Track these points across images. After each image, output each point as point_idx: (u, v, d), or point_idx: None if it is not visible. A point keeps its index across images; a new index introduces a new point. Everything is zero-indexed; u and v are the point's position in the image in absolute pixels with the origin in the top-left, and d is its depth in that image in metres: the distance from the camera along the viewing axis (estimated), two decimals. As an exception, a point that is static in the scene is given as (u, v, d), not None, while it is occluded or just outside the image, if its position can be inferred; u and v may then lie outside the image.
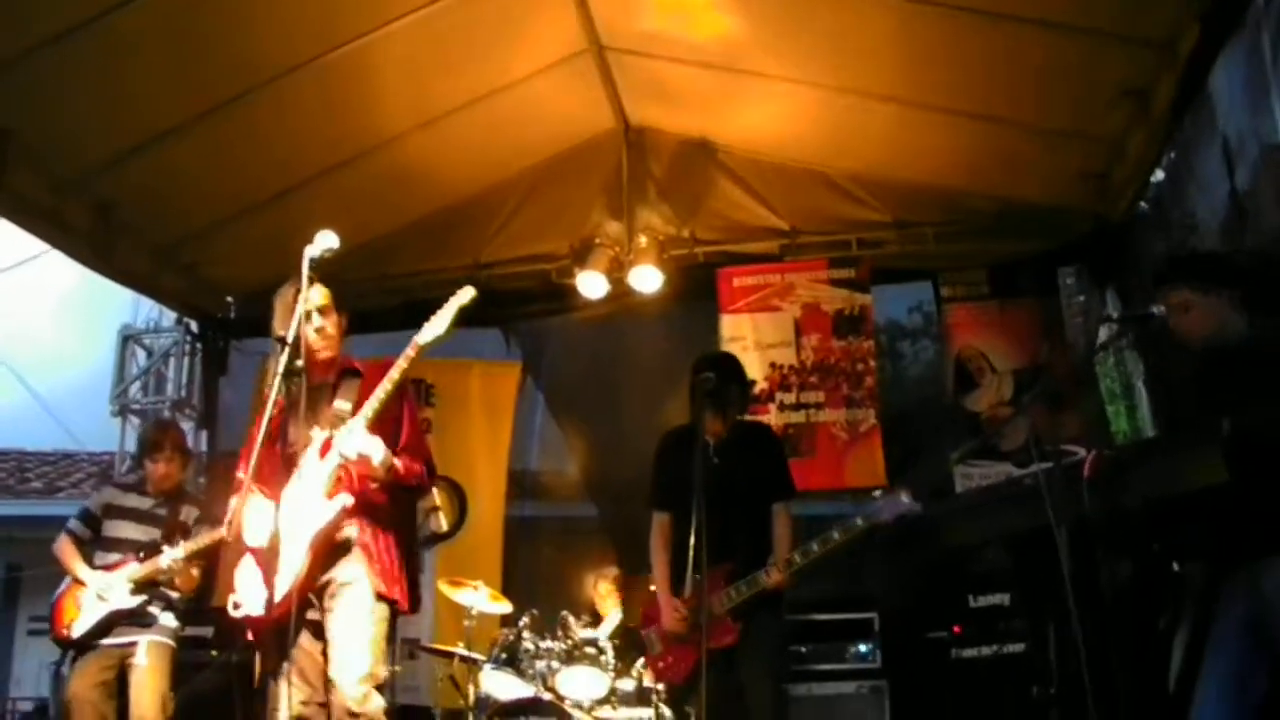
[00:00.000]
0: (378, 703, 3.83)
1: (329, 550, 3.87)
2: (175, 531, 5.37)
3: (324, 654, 3.85)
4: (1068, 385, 6.46)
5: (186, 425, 7.84)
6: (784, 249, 7.68)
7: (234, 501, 3.98)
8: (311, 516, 3.86)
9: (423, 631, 7.20)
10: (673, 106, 7.28)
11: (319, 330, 4.02)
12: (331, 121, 6.40)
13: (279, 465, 3.86)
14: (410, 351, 3.90)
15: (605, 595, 7.24)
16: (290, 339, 3.56)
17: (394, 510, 4.12)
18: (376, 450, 3.86)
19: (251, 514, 3.84)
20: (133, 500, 5.54)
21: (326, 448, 3.92)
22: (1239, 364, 3.51)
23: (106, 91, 5.58)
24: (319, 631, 3.86)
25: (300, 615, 3.78)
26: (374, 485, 3.95)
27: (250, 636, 3.85)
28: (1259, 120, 5.42)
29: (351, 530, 3.92)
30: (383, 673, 3.91)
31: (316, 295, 3.99)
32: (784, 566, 4.69)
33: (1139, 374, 7.10)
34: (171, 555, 5.18)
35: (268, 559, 3.40)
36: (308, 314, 3.95)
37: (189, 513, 5.53)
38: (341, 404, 4.00)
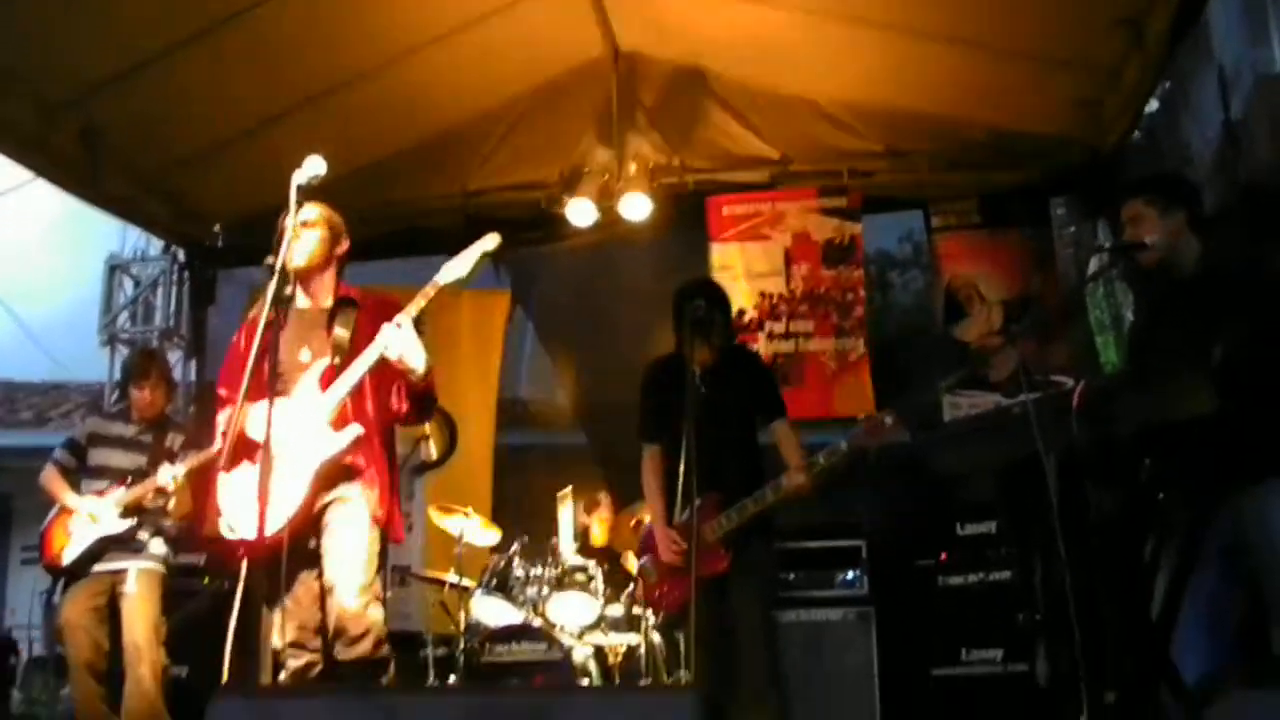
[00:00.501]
0: (378, 612, 3.87)
1: (330, 478, 3.89)
2: (161, 458, 5.36)
3: (319, 580, 3.86)
4: (1057, 316, 6.46)
5: (174, 355, 7.83)
6: (774, 177, 7.62)
7: (223, 417, 4.03)
8: (316, 446, 3.86)
9: (413, 559, 7.26)
10: (663, 33, 7.18)
11: (293, 242, 3.93)
12: (319, 48, 6.30)
13: (268, 391, 3.80)
14: (430, 291, 3.91)
15: (596, 520, 7.30)
16: (278, 265, 3.52)
17: (388, 439, 4.16)
18: (419, 351, 3.87)
19: (251, 429, 3.84)
20: (118, 428, 5.55)
21: (329, 377, 3.93)
22: (1198, 290, 3.51)
23: (92, 16, 5.47)
24: (315, 561, 3.87)
25: (298, 544, 3.79)
26: (408, 382, 3.97)
27: (244, 561, 3.82)
28: (1256, 50, 5.40)
29: (351, 456, 3.94)
30: (379, 588, 3.94)
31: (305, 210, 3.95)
32: (808, 468, 4.64)
33: (1128, 305, 7.11)
34: (171, 472, 5.19)
35: (261, 483, 3.36)
36: (295, 230, 3.93)
37: (174, 439, 5.52)
38: (340, 331, 4.00)
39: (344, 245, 4.23)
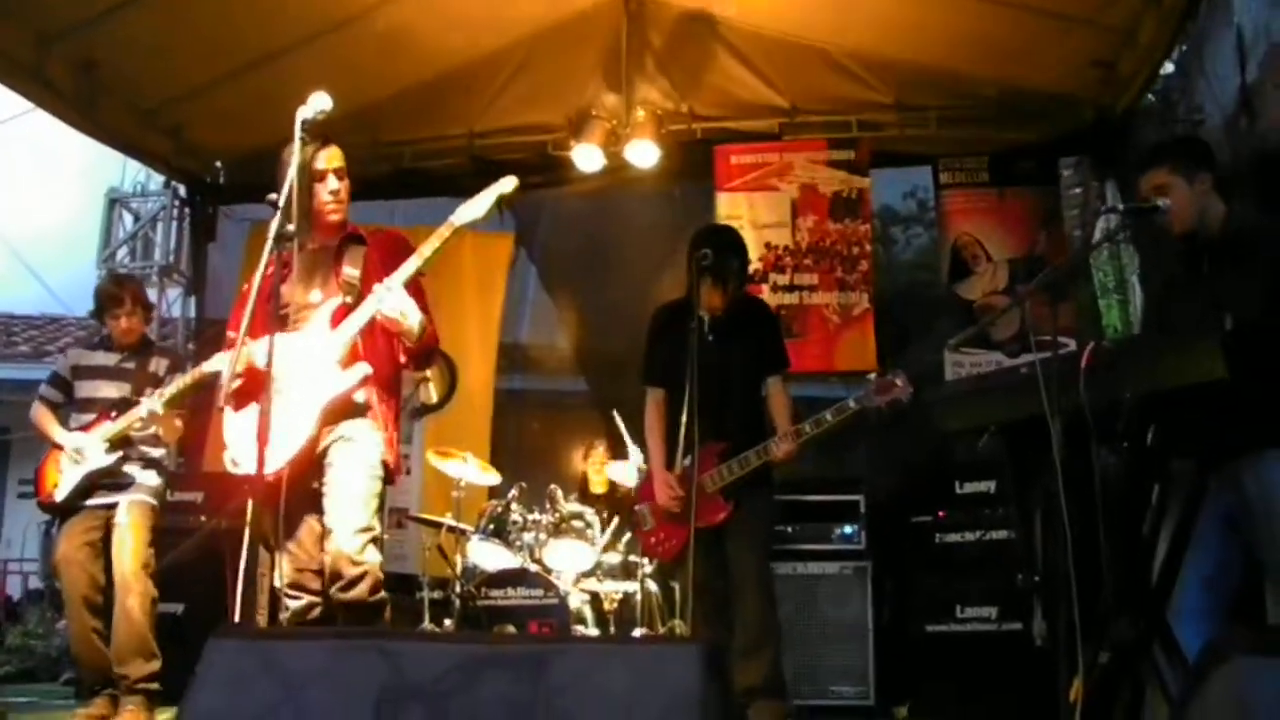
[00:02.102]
0: (375, 556, 3.83)
1: (337, 416, 3.87)
2: (146, 384, 5.24)
3: (320, 521, 3.84)
4: (1062, 277, 6.44)
5: (174, 291, 7.80)
6: (783, 128, 7.58)
7: (226, 357, 3.97)
8: (324, 384, 3.83)
9: (411, 501, 7.28)
10: (674, -23, 7.11)
11: (333, 193, 3.98)
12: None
13: (271, 327, 3.73)
14: (445, 232, 3.87)
15: (591, 469, 7.29)
16: (282, 202, 3.47)
17: (395, 381, 4.16)
18: (413, 311, 3.86)
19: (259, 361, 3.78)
20: (100, 358, 5.42)
21: (340, 315, 3.90)
22: (1218, 254, 3.50)
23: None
24: (318, 502, 3.84)
25: (302, 483, 3.78)
26: (404, 344, 3.98)
27: (250, 496, 3.79)
28: (1276, 13, 5.32)
29: (361, 395, 3.91)
30: (379, 528, 3.91)
31: (333, 156, 3.96)
32: (794, 436, 4.65)
33: (1133, 269, 7.09)
34: (149, 405, 5.01)
35: (262, 419, 3.33)
36: (323, 174, 3.93)
37: (158, 363, 5.38)
38: (350, 270, 3.96)
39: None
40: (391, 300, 3.79)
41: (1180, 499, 3.17)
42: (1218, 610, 3.39)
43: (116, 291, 5.42)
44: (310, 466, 3.84)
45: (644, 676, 2.02)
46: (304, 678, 2.09)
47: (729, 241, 4.99)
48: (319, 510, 3.85)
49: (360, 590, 3.75)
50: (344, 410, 3.88)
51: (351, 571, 3.74)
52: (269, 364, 3.36)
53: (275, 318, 3.54)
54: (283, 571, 3.79)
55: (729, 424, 4.71)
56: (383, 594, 3.88)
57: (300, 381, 3.80)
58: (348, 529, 3.75)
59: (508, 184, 3.94)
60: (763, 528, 4.87)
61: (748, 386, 4.85)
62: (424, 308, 4.00)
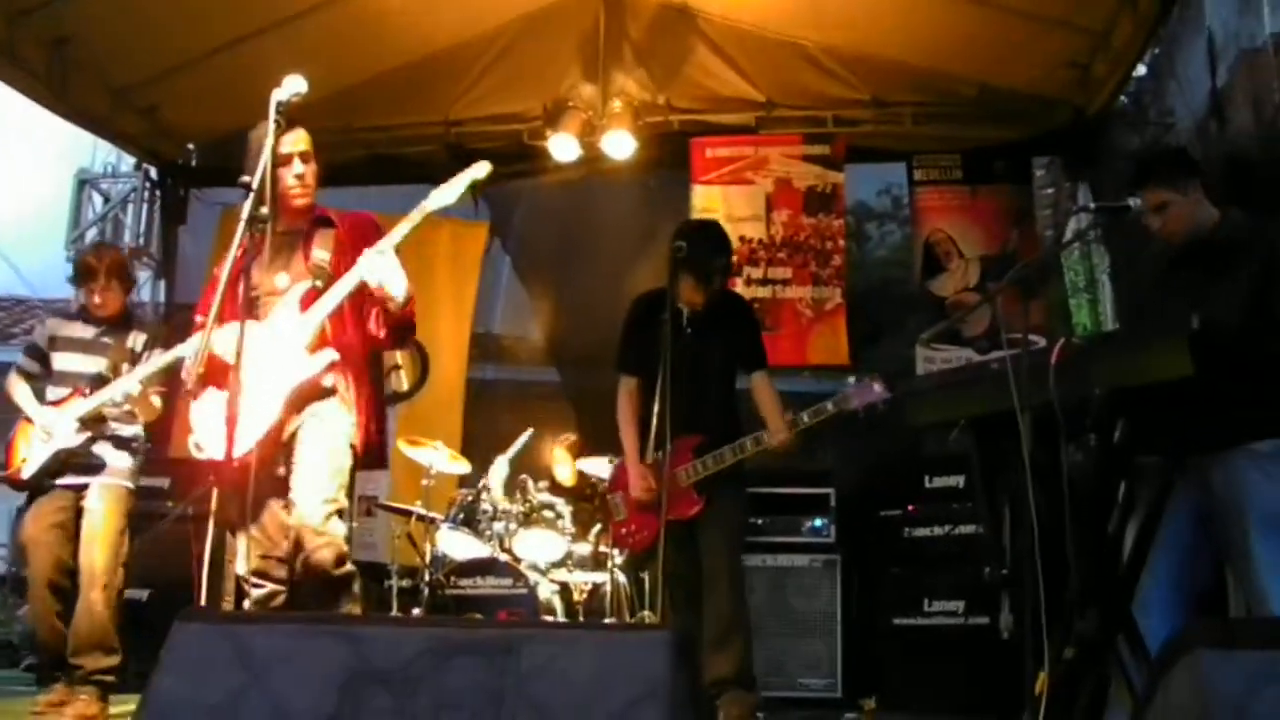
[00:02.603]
0: (340, 527, 3.78)
1: (304, 400, 3.82)
2: (123, 360, 5.06)
3: (287, 509, 3.80)
4: (1034, 274, 6.48)
5: (144, 274, 7.71)
6: (759, 121, 7.59)
7: (194, 340, 3.92)
8: (290, 369, 3.79)
9: (380, 489, 7.24)
10: (653, -32, 7.11)
11: (299, 177, 3.92)
12: (300, -36, 6.21)
13: (240, 311, 3.65)
14: (415, 216, 3.84)
15: (559, 461, 7.27)
16: (255, 185, 3.42)
17: (371, 364, 4.10)
18: (401, 279, 3.81)
19: (220, 350, 3.73)
20: (77, 329, 5.23)
21: (310, 299, 3.86)
22: (1212, 255, 3.53)
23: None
24: (284, 490, 3.80)
25: (267, 470, 3.71)
26: (386, 313, 3.91)
27: (214, 481, 3.73)
28: (1245, 20, 5.38)
29: (329, 379, 3.87)
30: (344, 502, 3.85)
31: (298, 139, 3.89)
32: (791, 426, 4.65)
33: (1104, 268, 7.14)
34: (124, 386, 4.87)
35: (230, 404, 3.29)
36: (289, 158, 3.86)
37: (136, 338, 5.17)
38: (320, 253, 3.93)
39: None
40: (382, 264, 3.74)
41: (1147, 494, 3.20)
42: (1186, 605, 3.44)
43: (93, 264, 5.20)
44: (276, 451, 3.79)
45: (613, 663, 2.03)
46: (269, 662, 2.08)
47: (710, 237, 4.99)
48: (285, 498, 3.80)
49: (323, 556, 3.69)
50: (311, 395, 3.84)
51: (315, 541, 3.68)
52: (238, 352, 3.32)
53: (245, 302, 3.50)
54: (247, 558, 3.73)
55: (705, 418, 4.73)
56: (349, 567, 3.83)
57: (267, 366, 3.75)
58: (313, 500, 3.71)
59: (481, 169, 3.93)
60: (735, 522, 4.86)
61: (724, 381, 4.85)
62: None
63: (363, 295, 3.88)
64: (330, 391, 3.88)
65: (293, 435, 3.84)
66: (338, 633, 2.11)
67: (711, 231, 5.12)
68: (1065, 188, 7.44)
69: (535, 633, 2.11)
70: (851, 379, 4.71)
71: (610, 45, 7.32)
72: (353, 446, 3.89)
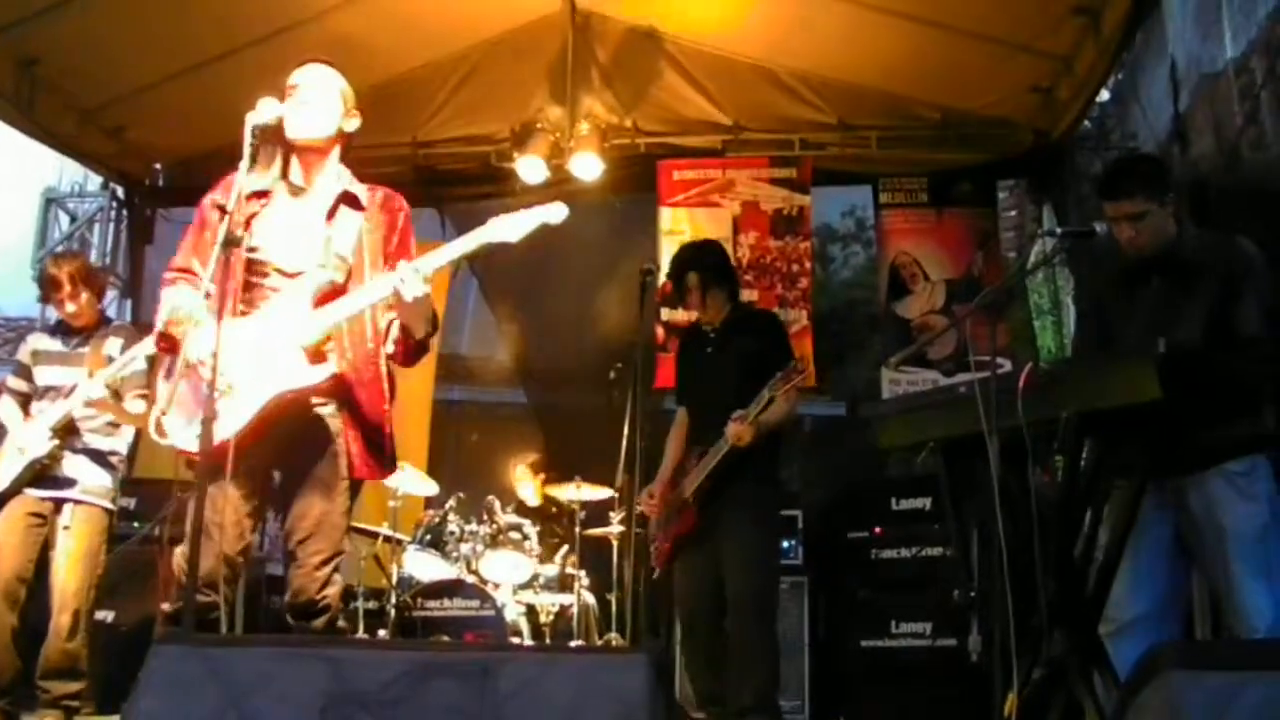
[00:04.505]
0: (338, 582, 3.54)
1: (288, 408, 3.43)
2: (99, 367, 4.87)
3: (249, 516, 3.48)
4: (1001, 297, 6.55)
5: (110, 293, 7.65)
6: (726, 144, 7.63)
7: (168, 293, 3.58)
8: (283, 370, 3.39)
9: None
10: (621, -8, 7.14)
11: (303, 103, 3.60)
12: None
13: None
14: (470, 243, 3.46)
15: (520, 479, 7.27)
16: (230, 207, 3.26)
17: (387, 376, 3.69)
18: (429, 313, 3.52)
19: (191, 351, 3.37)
20: (55, 343, 5.16)
21: (325, 297, 3.48)
22: (1176, 272, 3.53)
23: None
24: (246, 482, 3.44)
25: (236, 464, 3.30)
26: (407, 337, 3.56)
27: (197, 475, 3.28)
28: (1207, 46, 5.47)
29: (328, 407, 3.51)
30: (347, 548, 3.62)
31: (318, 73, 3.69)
32: (742, 419, 4.57)
33: (1068, 290, 7.22)
34: (85, 392, 4.76)
35: (207, 404, 3.08)
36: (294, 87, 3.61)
37: (112, 344, 5.05)
38: (343, 239, 3.57)
39: (355, 121, 3.79)
40: (415, 287, 3.34)
41: (1114, 517, 3.23)
42: (1163, 627, 3.46)
43: (55, 274, 5.09)
44: (246, 449, 3.34)
45: (590, 685, 2.03)
46: (248, 685, 2.07)
47: (684, 258, 5.09)
48: (250, 498, 3.47)
49: (318, 624, 3.48)
50: (298, 406, 3.46)
51: (316, 605, 3.45)
52: (215, 357, 3.10)
53: (221, 302, 3.17)
54: (197, 562, 3.25)
55: (717, 433, 4.70)
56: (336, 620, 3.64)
57: (254, 358, 3.36)
58: (317, 559, 3.45)
59: (557, 213, 3.50)
60: (750, 537, 4.66)
61: (740, 396, 4.72)
62: None
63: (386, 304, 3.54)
64: (337, 413, 3.53)
65: (287, 447, 3.49)
66: (317, 655, 2.11)
67: (677, 256, 5.18)
68: (1029, 210, 7.53)
69: (514, 655, 2.12)
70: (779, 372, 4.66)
71: (578, 68, 7.34)
72: (351, 483, 3.59)
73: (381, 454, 3.67)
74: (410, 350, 3.64)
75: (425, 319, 3.53)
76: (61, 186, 8.30)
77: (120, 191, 8.04)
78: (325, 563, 3.48)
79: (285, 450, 3.50)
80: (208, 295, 3.28)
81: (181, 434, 3.38)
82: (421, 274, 3.36)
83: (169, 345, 3.49)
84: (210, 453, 3.14)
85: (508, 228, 3.44)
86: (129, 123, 7.18)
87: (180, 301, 3.47)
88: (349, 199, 3.68)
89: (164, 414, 3.43)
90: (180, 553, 3.41)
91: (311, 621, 3.48)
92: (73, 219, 8.16)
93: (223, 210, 3.31)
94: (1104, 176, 3.79)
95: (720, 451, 4.62)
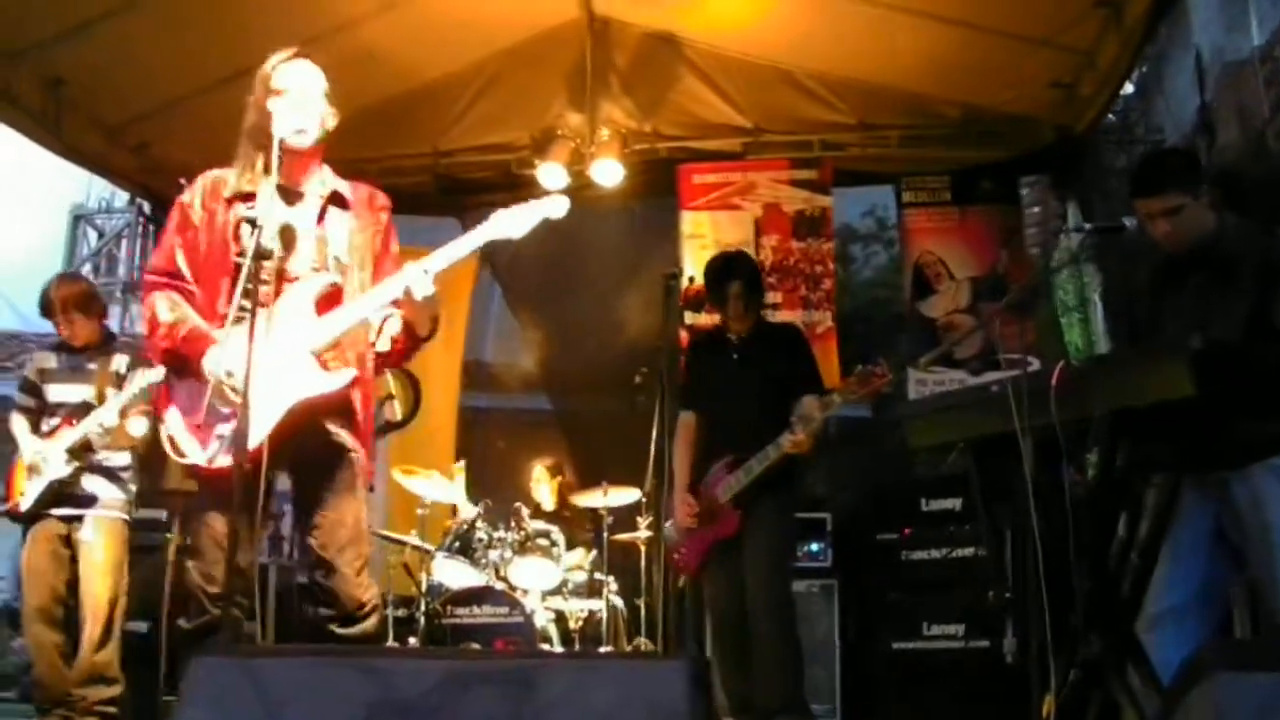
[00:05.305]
0: (375, 589, 3.57)
1: (310, 418, 3.41)
2: (107, 384, 5.09)
3: (261, 524, 3.41)
4: (1028, 296, 6.51)
5: (137, 308, 7.71)
6: (746, 147, 7.62)
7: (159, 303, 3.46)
8: (301, 378, 3.36)
9: (375, 518, 7.20)
10: (638, -2, 7.14)
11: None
12: (289, 2, 6.20)
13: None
14: (475, 240, 3.47)
15: (538, 480, 7.24)
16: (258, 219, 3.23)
17: (372, 381, 3.68)
18: (433, 312, 3.52)
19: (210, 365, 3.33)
20: (62, 360, 5.30)
21: (328, 301, 3.46)
22: (1213, 266, 3.48)
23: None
24: (254, 492, 3.27)
25: (255, 477, 3.22)
26: (409, 336, 3.54)
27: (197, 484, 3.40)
28: (1232, 36, 5.43)
29: (347, 404, 3.50)
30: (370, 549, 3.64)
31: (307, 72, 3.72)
32: (802, 426, 4.62)
33: (1095, 287, 7.18)
34: (101, 416, 4.93)
35: (223, 405, 3.13)
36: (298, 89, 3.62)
37: (119, 361, 5.20)
38: (337, 239, 3.56)
39: (334, 118, 3.74)
40: (423, 286, 3.33)
41: (1150, 515, 3.20)
42: (1204, 624, 3.42)
43: (51, 298, 5.25)
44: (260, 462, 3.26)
45: (630, 693, 2.03)
46: (289, 695, 2.07)
47: (717, 267, 5.14)
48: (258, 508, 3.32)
49: (368, 627, 3.51)
50: (325, 409, 3.43)
51: (364, 609, 3.48)
52: (247, 377, 3.09)
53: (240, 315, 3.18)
54: (208, 576, 3.33)
55: (744, 440, 4.77)
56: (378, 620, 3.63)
57: (267, 369, 3.25)
58: (353, 563, 3.45)
59: (559, 206, 3.55)
60: (774, 535, 4.78)
61: (763, 407, 4.82)
62: None
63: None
64: (348, 421, 3.50)
65: (313, 451, 3.46)
66: (356, 664, 2.11)
67: (719, 262, 5.23)
68: (1053, 206, 7.48)
69: (553, 663, 2.11)
70: (859, 367, 4.69)
71: (597, 74, 7.35)
72: (367, 486, 3.60)
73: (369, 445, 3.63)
74: (410, 349, 3.63)
75: (431, 318, 3.54)
76: (89, 203, 8.38)
77: (146, 207, 8.10)
78: (363, 568, 3.50)
79: (296, 458, 3.47)
80: (241, 312, 3.24)
81: (197, 451, 3.35)
82: (431, 274, 3.36)
83: (172, 358, 3.46)
84: (227, 467, 3.14)
85: (511, 222, 3.47)
86: (153, 139, 7.21)
87: (171, 314, 3.41)
88: (336, 199, 3.65)
89: (197, 429, 3.36)
90: (194, 568, 3.38)
91: (358, 626, 3.48)
92: (100, 235, 8.24)
93: (252, 224, 3.26)
94: (1134, 174, 3.73)
95: (768, 459, 4.67)
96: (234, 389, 3.22)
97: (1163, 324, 3.61)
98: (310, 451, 3.46)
